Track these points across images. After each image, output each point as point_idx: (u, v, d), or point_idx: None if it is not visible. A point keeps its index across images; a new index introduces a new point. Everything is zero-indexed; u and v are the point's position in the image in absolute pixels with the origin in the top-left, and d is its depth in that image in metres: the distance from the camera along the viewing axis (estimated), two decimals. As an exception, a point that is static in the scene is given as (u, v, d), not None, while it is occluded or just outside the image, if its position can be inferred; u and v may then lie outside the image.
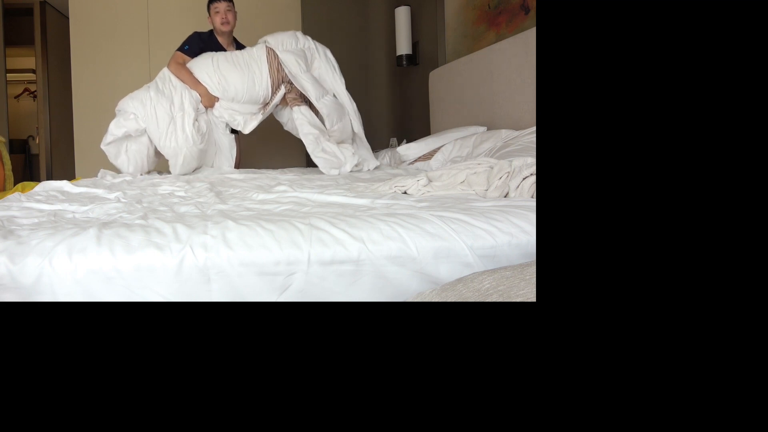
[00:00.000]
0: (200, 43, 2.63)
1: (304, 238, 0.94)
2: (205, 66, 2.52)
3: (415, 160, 2.40)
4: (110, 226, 1.00)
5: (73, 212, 1.28)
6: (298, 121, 2.47)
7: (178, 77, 2.50)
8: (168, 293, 0.89)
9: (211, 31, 2.70)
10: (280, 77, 2.52)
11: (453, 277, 0.93)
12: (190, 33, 2.76)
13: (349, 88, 3.69)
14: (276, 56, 2.51)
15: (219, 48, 2.66)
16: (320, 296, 0.93)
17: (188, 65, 2.54)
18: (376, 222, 1.00)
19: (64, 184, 1.80)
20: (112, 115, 2.46)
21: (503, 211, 1.06)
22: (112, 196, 1.61)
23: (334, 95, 2.56)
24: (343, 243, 0.94)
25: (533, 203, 1.14)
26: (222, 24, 2.59)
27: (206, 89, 2.50)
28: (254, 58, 2.54)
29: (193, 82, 2.49)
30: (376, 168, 2.42)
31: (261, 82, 2.51)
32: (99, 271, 0.88)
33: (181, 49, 2.64)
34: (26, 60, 5.19)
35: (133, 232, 0.95)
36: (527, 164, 1.35)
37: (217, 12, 2.58)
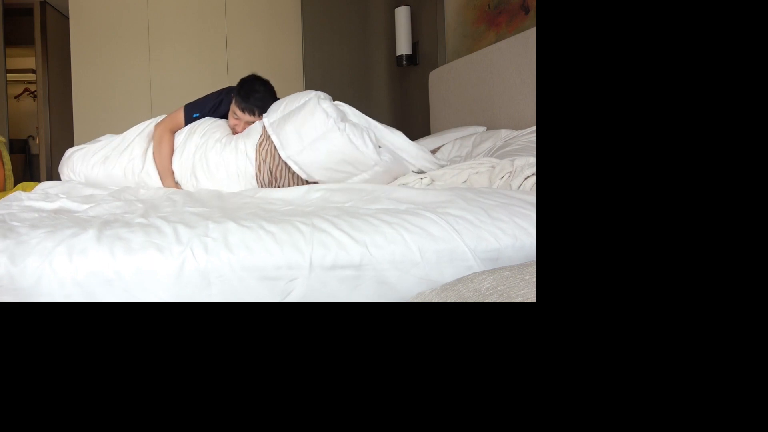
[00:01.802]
0: (214, 114, 1.92)
1: (306, 241, 0.94)
2: (185, 147, 1.75)
3: (415, 160, 2.39)
4: (111, 225, 1.00)
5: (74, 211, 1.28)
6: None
7: (154, 152, 1.79)
8: (168, 297, 0.89)
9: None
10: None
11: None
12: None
13: (350, 87, 3.69)
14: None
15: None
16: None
17: (177, 136, 1.83)
18: (379, 224, 0.99)
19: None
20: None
21: (507, 208, 1.05)
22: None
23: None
24: (346, 247, 0.93)
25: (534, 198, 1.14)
26: (232, 129, 1.83)
27: (176, 187, 1.74)
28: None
29: (165, 171, 1.75)
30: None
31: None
32: (99, 274, 0.88)
33: (187, 112, 1.88)
34: (26, 60, 5.19)
35: (134, 233, 0.95)
36: (529, 164, 1.35)
37: (237, 119, 1.79)
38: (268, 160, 1.61)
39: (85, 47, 3.41)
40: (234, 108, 1.79)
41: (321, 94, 1.63)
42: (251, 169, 1.62)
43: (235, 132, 1.79)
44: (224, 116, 1.91)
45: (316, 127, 1.49)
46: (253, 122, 1.76)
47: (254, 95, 1.77)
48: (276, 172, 1.61)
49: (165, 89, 3.42)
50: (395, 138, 1.64)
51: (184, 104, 1.94)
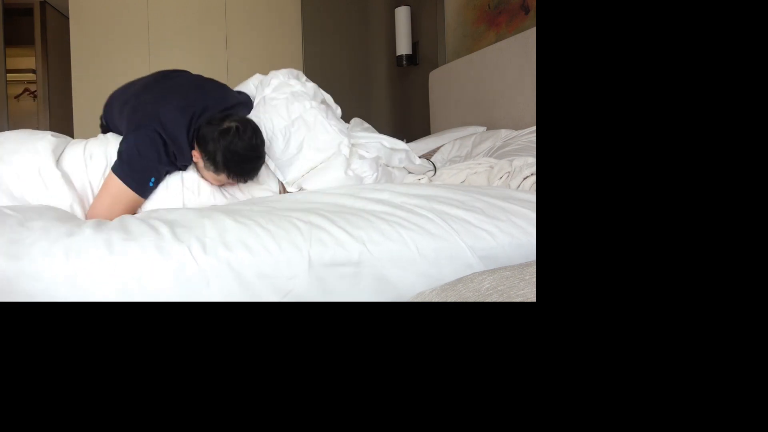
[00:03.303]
0: (166, 167, 1.32)
1: (304, 238, 0.94)
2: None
3: (415, 160, 2.38)
4: (107, 225, 1.00)
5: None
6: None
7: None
8: (167, 296, 0.89)
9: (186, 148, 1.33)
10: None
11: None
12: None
13: (350, 87, 3.69)
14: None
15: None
16: (321, 300, 0.93)
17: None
18: (377, 221, 0.99)
19: None
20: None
21: (504, 206, 1.05)
22: None
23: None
24: (344, 244, 0.94)
25: (533, 195, 1.14)
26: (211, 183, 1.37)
27: None
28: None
29: None
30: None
31: None
32: (96, 274, 0.88)
33: (135, 184, 1.25)
34: (26, 60, 5.19)
35: (131, 233, 0.94)
36: (528, 164, 1.35)
37: (219, 182, 1.35)
38: None
39: (85, 47, 3.41)
40: (226, 180, 1.34)
41: (350, 150, 1.43)
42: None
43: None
44: (174, 162, 1.34)
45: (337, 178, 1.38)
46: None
47: (249, 165, 1.33)
48: None
49: (165, 89, 3.42)
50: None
51: (113, 177, 1.24)
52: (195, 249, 0.91)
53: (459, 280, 0.68)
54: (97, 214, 1.22)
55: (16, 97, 5.65)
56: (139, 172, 1.26)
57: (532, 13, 2.17)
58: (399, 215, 1.02)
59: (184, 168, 1.36)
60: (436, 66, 2.96)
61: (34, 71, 4.87)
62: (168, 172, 1.33)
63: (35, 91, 5.06)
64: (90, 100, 3.41)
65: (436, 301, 0.66)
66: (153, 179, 1.29)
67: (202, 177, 1.36)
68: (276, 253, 0.92)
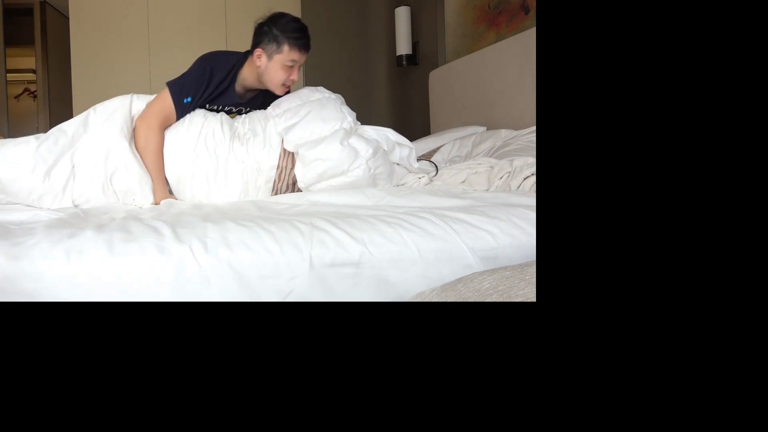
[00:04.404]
0: (211, 91, 1.58)
1: (305, 240, 0.94)
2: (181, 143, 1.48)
3: (414, 160, 2.38)
4: (108, 226, 1.00)
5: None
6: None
7: (140, 152, 1.45)
8: (168, 296, 0.89)
9: (234, 69, 1.60)
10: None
11: (455, 279, 0.93)
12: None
13: (350, 87, 3.68)
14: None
15: (231, 99, 1.63)
16: (322, 300, 0.93)
17: (168, 132, 1.51)
18: (378, 223, 0.99)
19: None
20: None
21: (504, 207, 1.05)
22: None
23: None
24: (345, 246, 0.94)
25: (533, 200, 1.14)
26: (284, 85, 1.60)
27: (165, 191, 1.46)
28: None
29: (157, 172, 1.45)
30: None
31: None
32: (97, 274, 0.88)
33: (176, 95, 1.52)
34: (26, 60, 5.19)
35: (132, 234, 0.95)
36: (528, 164, 1.35)
37: (290, 67, 1.56)
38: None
39: (85, 47, 3.41)
40: (288, 55, 1.55)
41: (353, 126, 1.53)
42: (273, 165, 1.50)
43: (290, 82, 1.60)
44: (219, 95, 1.60)
45: (342, 162, 1.45)
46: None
47: (302, 29, 1.59)
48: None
49: (165, 89, 3.42)
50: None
51: (165, 85, 1.55)
52: (196, 249, 0.91)
53: (459, 280, 0.68)
54: (143, 114, 1.51)
55: (16, 97, 5.65)
56: (181, 86, 1.54)
57: (532, 13, 2.17)
58: (400, 217, 1.03)
59: (218, 97, 1.61)
60: (436, 66, 2.96)
61: (34, 71, 4.87)
62: (206, 102, 1.59)
63: (35, 91, 5.06)
64: (90, 100, 3.39)
65: (436, 301, 0.66)
66: (189, 98, 1.55)
67: (266, 77, 1.59)
68: (277, 254, 0.92)
